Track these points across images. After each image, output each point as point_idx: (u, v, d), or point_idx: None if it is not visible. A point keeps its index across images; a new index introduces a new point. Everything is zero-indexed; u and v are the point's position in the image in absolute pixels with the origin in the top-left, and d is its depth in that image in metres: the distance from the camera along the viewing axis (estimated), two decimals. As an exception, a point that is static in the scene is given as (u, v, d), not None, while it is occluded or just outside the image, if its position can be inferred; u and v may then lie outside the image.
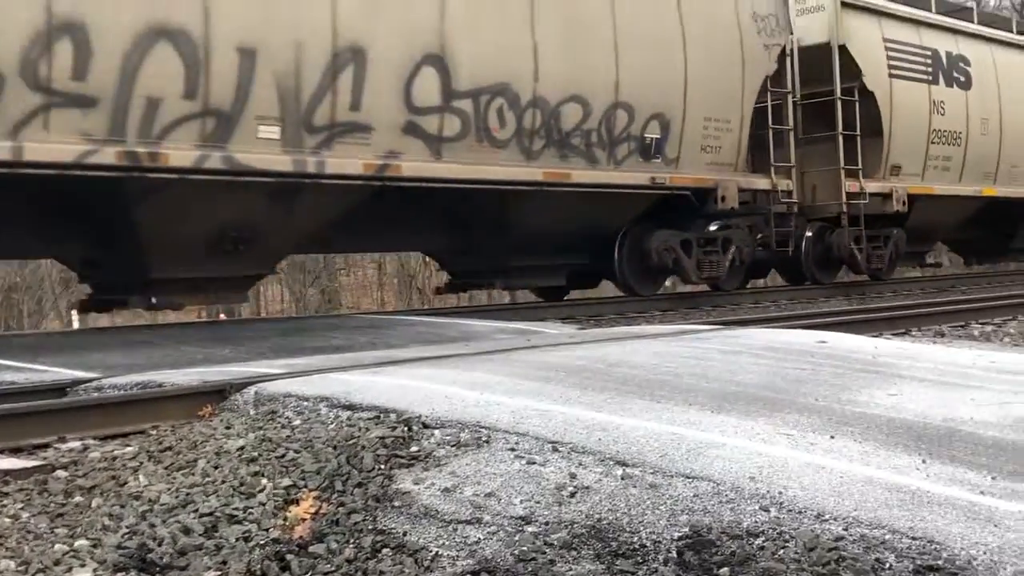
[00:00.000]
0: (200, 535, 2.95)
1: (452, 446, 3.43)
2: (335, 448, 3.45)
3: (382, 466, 3.29)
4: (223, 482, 3.31)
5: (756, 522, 2.77)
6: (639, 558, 2.72)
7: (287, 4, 8.29)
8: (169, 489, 3.31)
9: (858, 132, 13.75)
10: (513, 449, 3.35)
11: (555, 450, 3.33)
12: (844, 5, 13.79)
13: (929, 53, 15.12)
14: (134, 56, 7.48)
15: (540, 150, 10.21)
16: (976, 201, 16.33)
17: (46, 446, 3.92)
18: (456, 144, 9.51)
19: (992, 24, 17.23)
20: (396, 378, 4.59)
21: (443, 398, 4.02)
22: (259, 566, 2.79)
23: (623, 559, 2.72)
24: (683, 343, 5.94)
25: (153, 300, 8.54)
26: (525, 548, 2.78)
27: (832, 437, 3.45)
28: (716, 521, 2.80)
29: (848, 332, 6.81)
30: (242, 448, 3.55)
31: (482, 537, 2.86)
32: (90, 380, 5.05)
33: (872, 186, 14.10)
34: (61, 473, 3.54)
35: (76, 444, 3.94)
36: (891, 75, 14.35)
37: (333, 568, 2.79)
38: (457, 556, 2.80)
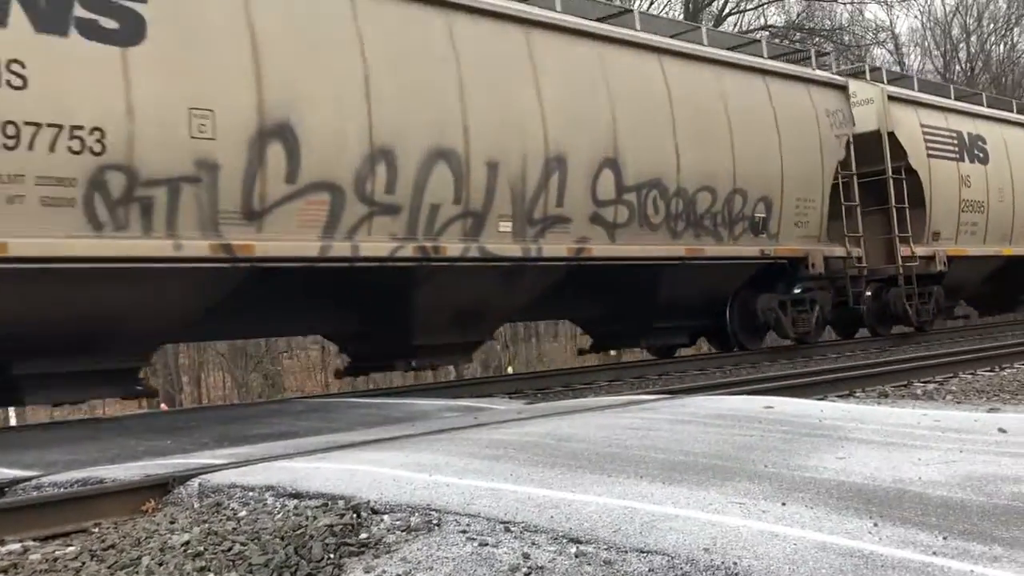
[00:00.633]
0: (148, 635, 2.81)
1: (402, 531, 3.35)
2: (283, 539, 3.37)
3: (331, 555, 3.21)
4: (169, 579, 3.18)
5: (713, 595, 2.74)
6: (598, 637, 2.65)
7: (516, 125, 10.50)
8: (113, 589, 3.17)
9: (906, 204, 16.19)
10: (465, 531, 3.27)
11: (507, 530, 3.25)
12: (890, 98, 16.34)
13: (955, 134, 17.74)
14: (423, 173, 9.64)
15: (682, 231, 12.48)
16: (997, 260, 18.85)
17: (-16, 550, 3.72)
18: (625, 229, 11.74)
19: (997, 106, 20.01)
20: (343, 463, 4.49)
21: (391, 481, 3.94)
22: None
23: (582, 638, 2.64)
24: (632, 414, 5.94)
25: (413, 363, 10.56)
26: (482, 633, 2.69)
27: (783, 504, 3.41)
28: (673, 595, 2.76)
29: (793, 396, 6.96)
30: (187, 543, 3.45)
31: (437, 624, 2.77)
32: (29, 479, 4.88)
33: (920, 250, 16.53)
34: (0, 578, 3.36)
35: (15, 546, 3.78)
36: (929, 155, 16.90)
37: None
38: (414, 645, 2.72)
